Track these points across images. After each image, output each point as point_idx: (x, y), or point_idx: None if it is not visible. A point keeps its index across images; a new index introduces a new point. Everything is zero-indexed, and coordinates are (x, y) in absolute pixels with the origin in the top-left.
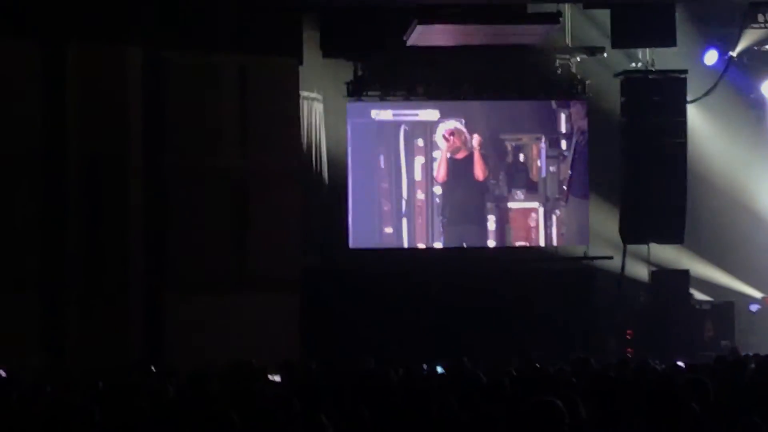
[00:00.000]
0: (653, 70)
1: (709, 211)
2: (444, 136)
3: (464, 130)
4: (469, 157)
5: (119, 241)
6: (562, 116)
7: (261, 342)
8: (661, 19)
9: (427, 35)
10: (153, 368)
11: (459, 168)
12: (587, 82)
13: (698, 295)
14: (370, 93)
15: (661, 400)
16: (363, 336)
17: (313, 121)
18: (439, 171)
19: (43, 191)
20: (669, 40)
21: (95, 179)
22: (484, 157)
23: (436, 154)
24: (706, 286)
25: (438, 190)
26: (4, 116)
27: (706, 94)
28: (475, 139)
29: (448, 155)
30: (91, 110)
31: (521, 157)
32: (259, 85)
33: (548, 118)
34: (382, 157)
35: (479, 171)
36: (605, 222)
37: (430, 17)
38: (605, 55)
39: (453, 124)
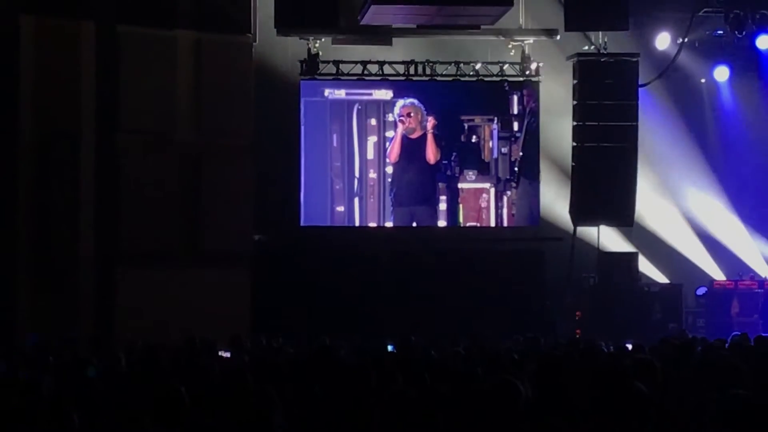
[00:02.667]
0: (605, 53)
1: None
2: (401, 119)
3: (422, 108)
4: (423, 137)
5: (71, 216)
6: (515, 98)
7: (211, 317)
8: (614, 2)
9: (381, 15)
10: (103, 342)
11: (412, 148)
12: (540, 64)
13: (647, 278)
14: (323, 72)
15: (609, 381)
16: (313, 313)
17: (266, 98)
18: (393, 151)
19: None
20: (621, 24)
21: (47, 154)
22: (437, 139)
23: (389, 133)
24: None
25: (390, 169)
26: None
27: (658, 77)
28: (430, 122)
29: (403, 134)
30: (44, 86)
31: (473, 137)
32: (212, 61)
33: (501, 99)
34: (335, 136)
35: (431, 154)
36: (556, 204)
37: None
38: (558, 37)
39: (411, 101)
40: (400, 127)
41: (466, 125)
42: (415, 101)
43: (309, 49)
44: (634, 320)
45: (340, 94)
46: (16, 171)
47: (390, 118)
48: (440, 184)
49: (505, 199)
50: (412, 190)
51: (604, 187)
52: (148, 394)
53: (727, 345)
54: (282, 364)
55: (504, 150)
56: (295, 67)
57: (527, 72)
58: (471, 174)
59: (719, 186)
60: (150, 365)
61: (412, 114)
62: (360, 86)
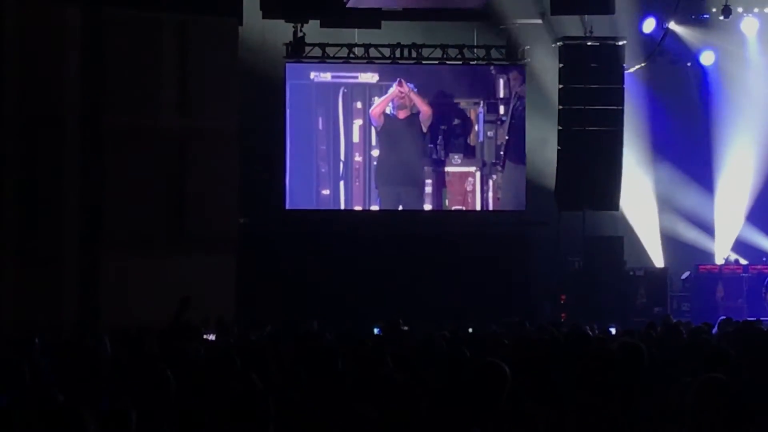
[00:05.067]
0: (591, 37)
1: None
2: (398, 81)
3: (416, 95)
4: (411, 118)
5: (55, 201)
6: (501, 81)
7: (196, 301)
8: None
9: None
10: (88, 326)
11: (400, 128)
12: (526, 47)
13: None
14: (309, 55)
15: (596, 364)
16: (298, 296)
17: (252, 81)
18: (378, 107)
19: None
20: (607, 7)
21: (32, 140)
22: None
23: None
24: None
25: (376, 152)
26: None
27: (645, 61)
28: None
29: (393, 101)
30: (28, 70)
31: (459, 121)
32: (198, 45)
33: (487, 83)
34: (320, 119)
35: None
36: (541, 188)
37: None
38: (544, 21)
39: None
40: (396, 89)
41: (451, 108)
42: (414, 88)
43: (295, 32)
44: (620, 304)
45: (326, 77)
46: (0, 156)
47: (376, 100)
48: (426, 168)
49: (490, 182)
50: (399, 170)
51: (590, 171)
52: (134, 379)
53: (714, 330)
54: (267, 347)
55: (490, 134)
56: (281, 50)
57: (513, 56)
58: (457, 158)
59: (706, 170)
60: (135, 349)
61: (410, 93)
62: (346, 69)
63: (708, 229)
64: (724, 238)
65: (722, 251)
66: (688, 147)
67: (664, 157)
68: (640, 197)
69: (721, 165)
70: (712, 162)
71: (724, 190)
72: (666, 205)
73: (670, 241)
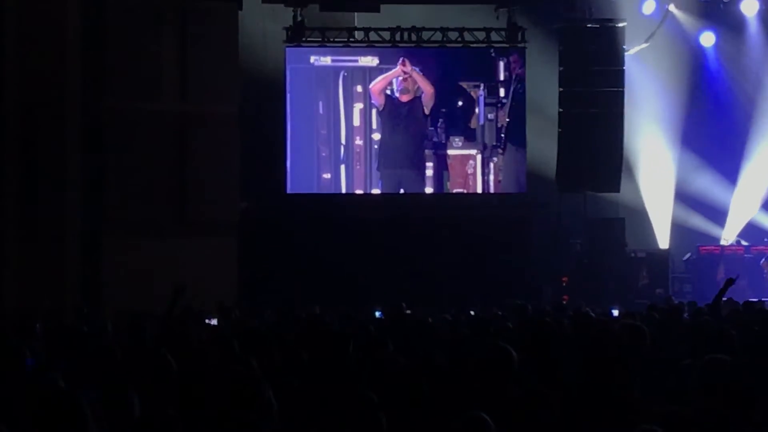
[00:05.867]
0: (591, 18)
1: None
2: (402, 61)
3: (419, 74)
4: (414, 102)
5: (56, 186)
6: (501, 64)
7: (198, 285)
8: None
9: None
10: (90, 311)
11: (402, 112)
12: (526, 30)
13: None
14: (309, 39)
15: (599, 346)
16: (299, 280)
17: (252, 66)
18: (379, 83)
19: None
20: None
21: (33, 124)
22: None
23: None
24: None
25: (377, 136)
26: None
27: (645, 43)
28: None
29: (396, 83)
30: (28, 54)
31: (460, 104)
32: (198, 29)
33: (487, 65)
34: (320, 103)
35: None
36: (542, 170)
37: None
38: (544, 3)
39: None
40: (399, 69)
41: (452, 91)
42: (418, 69)
43: (294, 16)
44: (621, 286)
45: (326, 61)
46: (2, 141)
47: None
48: (427, 151)
49: (491, 165)
50: (400, 153)
51: (591, 153)
52: (137, 363)
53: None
54: (269, 332)
55: (491, 116)
56: (281, 35)
57: (513, 38)
58: (457, 140)
59: (707, 151)
60: (137, 334)
61: (413, 73)
62: (346, 53)
63: (720, 214)
64: (735, 222)
65: (730, 235)
66: (688, 127)
67: (664, 137)
68: (641, 178)
69: (722, 145)
70: (714, 142)
71: (726, 170)
72: (667, 185)
73: (677, 224)
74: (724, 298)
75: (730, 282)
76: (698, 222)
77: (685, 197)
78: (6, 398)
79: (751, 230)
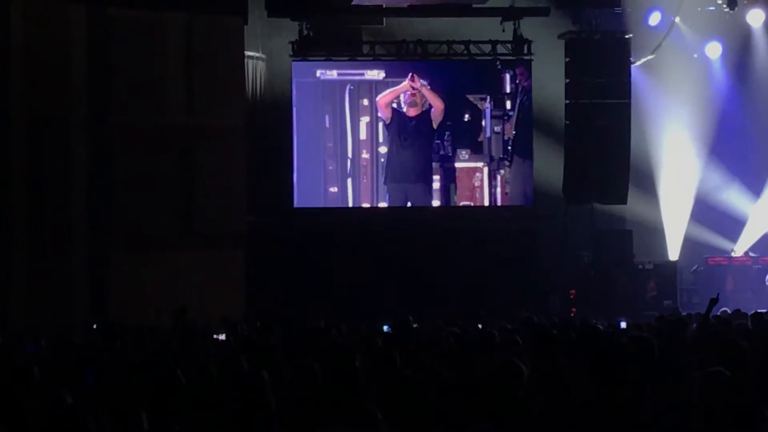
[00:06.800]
0: (597, 30)
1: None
2: (411, 76)
3: (429, 90)
4: (422, 116)
5: (63, 201)
6: (507, 77)
7: (206, 299)
8: None
9: None
10: (96, 326)
11: (409, 126)
12: (532, 42)
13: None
14: (315, 52)
15: (607, 358)
16: (306, 294)
17: (258, 80)
18: (386, 96)
19: None
20: (613, 1)
21: (39, 139)
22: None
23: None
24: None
25: (384, 149)
26: None
27: (651, 54)
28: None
29: (404, 98)
30: (34, 70)
31: (466, 117)
32: (204, 43)
33: (493, 78)
34: (327, 117)
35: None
36: (549, 182)
37: None
38: (549, 15)
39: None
40: (407, 84)
41: (458, 104)
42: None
43: (300, 30)
44: (629, 298)
45: (332, 74)
46: (8, 156)
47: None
48: (434, 164)
49: (498, 178)
50: (407, 167)
51: (598, 165)
52: (144, 378)
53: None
54: (276, 346)
55: (497, 129)
56: (287, 49)
57: (519, 51)
58: (464, 153)
59: (714, 162)
60: (145, 348)
61: (422, 89)
62: (352, 67)
63: (719, 220)
64: (737, 230)
65: (741, 247)
66: (695, 138)
67: (670, 148)
68: (649, 189)
69: (729, 156)
70: (721, 153)
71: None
72: (675, 196)
73: (689, 237)
74: (726, 309)
75: (714, 301)
76: (708, 234)
77: (694, 207)
78: (14, 414)
79: (765, 242)
